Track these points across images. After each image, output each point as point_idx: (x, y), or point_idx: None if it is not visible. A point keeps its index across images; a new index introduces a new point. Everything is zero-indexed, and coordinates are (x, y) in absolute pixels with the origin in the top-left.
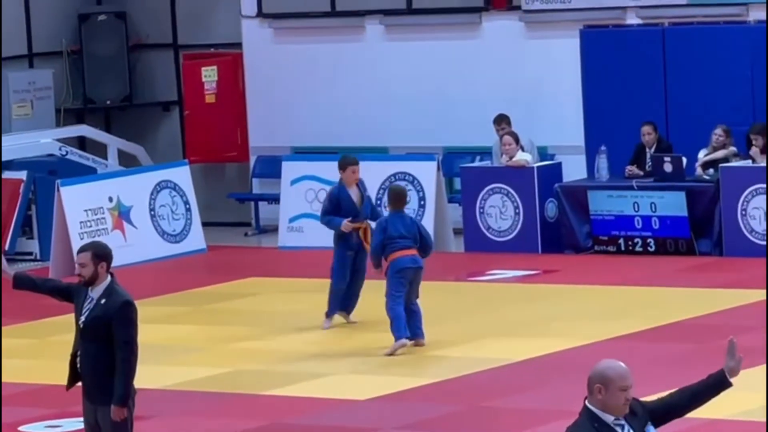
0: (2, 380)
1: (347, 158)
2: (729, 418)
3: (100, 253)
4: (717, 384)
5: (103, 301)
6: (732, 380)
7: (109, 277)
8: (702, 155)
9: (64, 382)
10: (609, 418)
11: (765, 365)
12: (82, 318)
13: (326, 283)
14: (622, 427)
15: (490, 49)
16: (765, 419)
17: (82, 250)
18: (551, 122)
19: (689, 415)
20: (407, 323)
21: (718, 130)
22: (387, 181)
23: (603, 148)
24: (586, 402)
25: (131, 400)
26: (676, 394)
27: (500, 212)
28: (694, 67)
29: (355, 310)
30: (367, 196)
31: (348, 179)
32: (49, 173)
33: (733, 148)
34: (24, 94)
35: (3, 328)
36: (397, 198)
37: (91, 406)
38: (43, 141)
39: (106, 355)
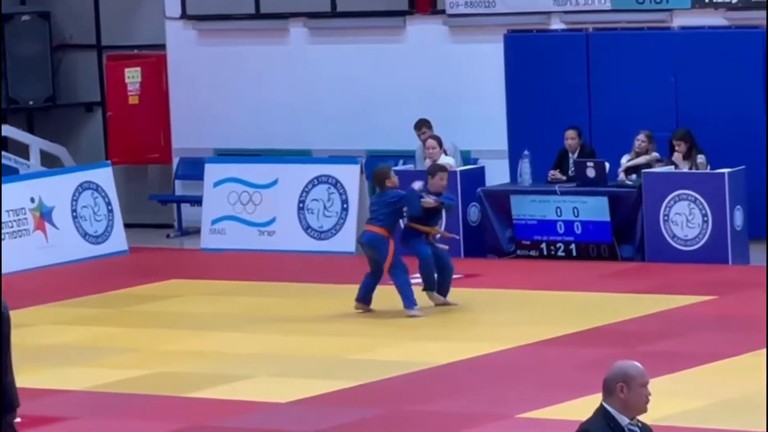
0: None
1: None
2: (651, 423)
3: None
4: None
5: None
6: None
7: None
8: (624, 160)
9: None
10: (624, 421)
11: (689, 370)
12: None
13: (248, 285)
14: None
15: (414, 52)
16: (684, 424)
17: None
18: (475, 126)
19: None
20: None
21: (641, 136)
22: (310, 183)
23: (526, 152)
24: (603, 402)
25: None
26: None
27: None
28: (618, 73)
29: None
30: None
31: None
32: None
33: (655, 154)
34: None
35: None
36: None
37: None
38: None
39: None
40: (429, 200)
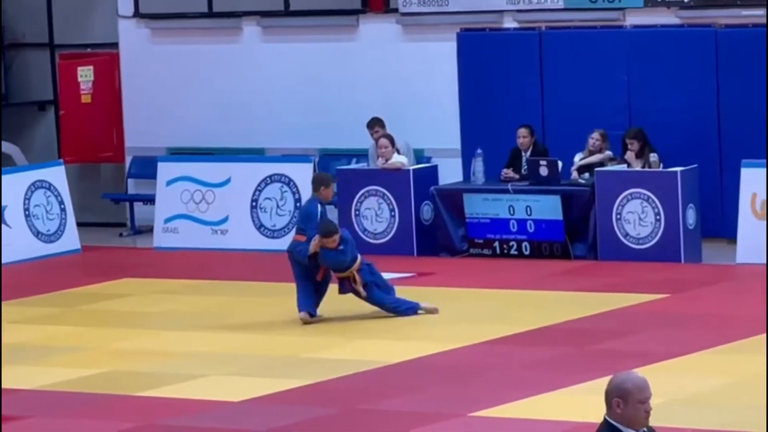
0: None
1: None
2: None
3: None
4: None
5: None
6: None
7: None
8: (578, 159)
9: None
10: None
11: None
12: None
13: (201, 284)
14: None
15: (367, 51)
16: None
17: None
18: (428, 125)
19: (563, 418)
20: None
21: (596, 134)
22: (263, 182)
23: (479, 151)
24: (606, 416)
25: None
26: None
27: (376, 215)
28: (571, 71)
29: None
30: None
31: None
32: None
33: (608, 152)
34: None
35: None
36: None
37: None
38: None
39: None
40: (314, 242)
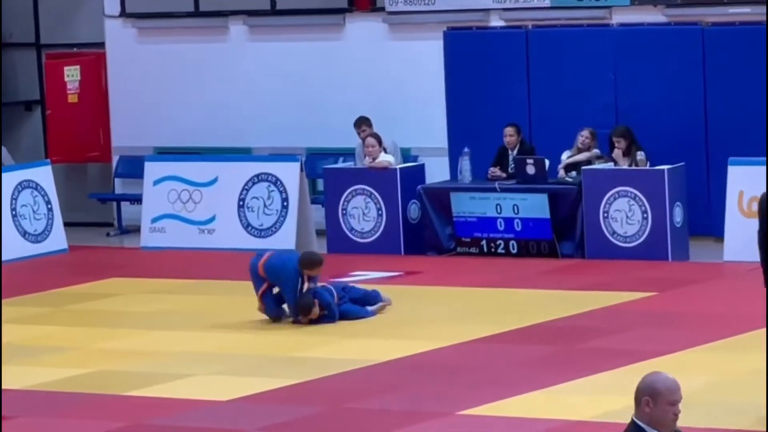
0: None
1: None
2: (590, 420)
3: None
4: None
5: None
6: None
7: None
8: (565, 156)
9: None
10: None
11: (628, 367)
12: None
13: (189, 283)
14: None
15: (353, 50)
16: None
17: None
18: (415, 124)
19: (550, 416)
20: None
21: (585, 132)
22: (250, 182)
23: (466, 150)
24: (633, 416)
25: None
26: None
27: (363, 214)
28: (558, 70)
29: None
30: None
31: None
32: None
33: (596, 151)
34: None
35: None
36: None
37: None
38: None
39: None
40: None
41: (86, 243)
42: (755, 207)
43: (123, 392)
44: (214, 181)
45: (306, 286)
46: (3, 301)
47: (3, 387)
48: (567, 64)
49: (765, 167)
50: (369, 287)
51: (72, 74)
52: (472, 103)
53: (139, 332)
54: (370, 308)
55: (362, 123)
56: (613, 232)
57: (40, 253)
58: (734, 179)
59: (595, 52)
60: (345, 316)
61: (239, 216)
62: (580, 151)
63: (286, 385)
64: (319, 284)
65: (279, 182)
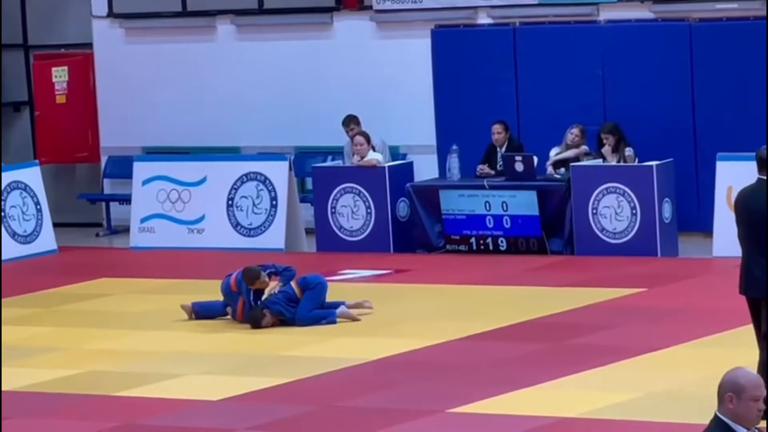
0: None
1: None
2: (580, 417)
3: None
4: None
5: None
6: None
7: None
8: (553, 153)
9: None
10: (742, 430)
11: (619, 363)
12: None
13: (179, 283)
14: None
15: (341, 48)
16: (614, 417)
17: None
18: (403, 122)
19: (541, 413)
20: None
21: (575, 130)
22: (239, 181)
23: (454, 147)
24: (717, 412)
25: None
26: None
27: (352, 212)
28: (546, 67)
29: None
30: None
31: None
32: None
33: (584, 147)
34: None
35: None
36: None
37: None
38: None
39: None
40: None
41: (75, 243)
42: None
43: (114, 392)
44: (203, 180)
45: (266, 294)
46: None
47: None
48: (555, 61)
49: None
50: (359, 286)
51: (60, 75)
52: (461, 100)
53: (129, 332)
54: (337, 310)
55: (350, 121)
56: (602, 229)
57: (29, 254)
58: (723, 175)
59: (583, 49)
60: (309, 322)
61: (228, 215)
62: (569, 148)
63: (276, 384)
64: (276, 290)
65: (268, 181)
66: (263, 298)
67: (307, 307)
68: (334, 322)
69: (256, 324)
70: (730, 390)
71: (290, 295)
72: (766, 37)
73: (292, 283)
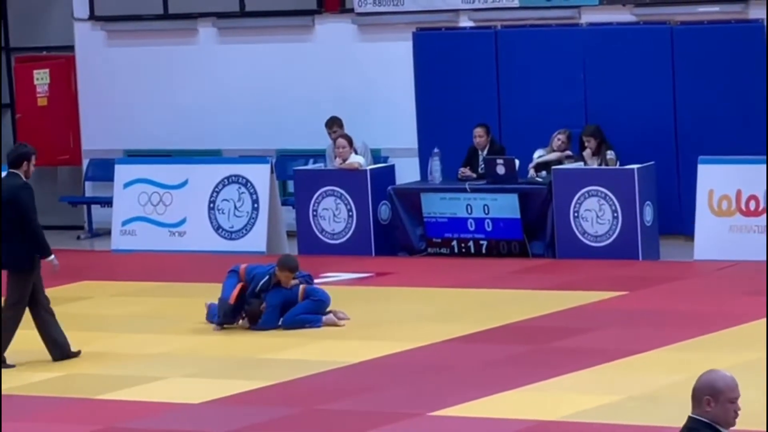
0: None
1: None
2: (562, 420)
3: None
4: None
5: None
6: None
7: None
8: (536, 155)
9: None
10: (724, 430)
11: (600, 366)
12: None
13: (160, 286)
14: None
15: (323, 51)
16: (595, 420)
17: None
18: (384, 125)
19: (522, 416)
20: None
21: (562, 136)
22: (220, 184)
23: (436, 150)
24: (693, 415)
25: None
26: None
27: (333, 215)
28: (527, 70)
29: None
30: None
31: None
32: None
33: (567, 151)
34: None
35: None
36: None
37: None
38: None
39: None
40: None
41: (57, 246)
42: (725, 206)
43: (95, 396)
44: (185, 183)
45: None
46: None
47: None
48: (536, 64)
49: (736, 166)
50: (341, 290)
51: (41, 78)
52: (442, 103)
53: (110, 335)
54: (323, 317)
55: (334, 123)
56: (584, 232)
57: None
58: (704, 178)
59: (565, 52)
60: (295, 325)
61: (210, 218)
62: (554, 151)
63: (258, 387)
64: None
65: (249, 184)
66: (260, 289)
67: (298, 311)
68: (318, 328)
69: (254, 319)
70: (707, 393)
71: (292, 299)
72: (766, 41)
73: (300, 288)
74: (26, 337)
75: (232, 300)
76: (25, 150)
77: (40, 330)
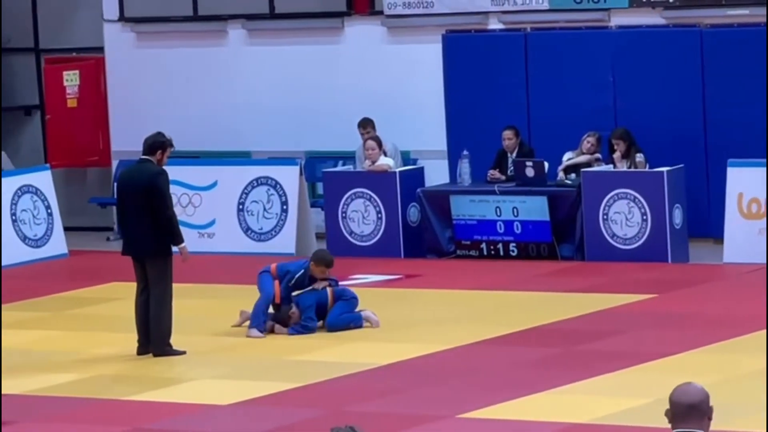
0: None
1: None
2: (592, 422)
3: None
4: None
5: None
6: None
7: None
8: (566, 158)
9: None
10: None
11: (629, 369)
12: None
13: (188, 287)
14: None
15: (352, 53)
16: (625, 423)
17: None
18: (414, 127)
19: (551, 419)
20: None
21: (592, 139)
22: (249, 185)
23: (465, 152)
24: (693, 429)
25: None
26: None
27: (363, 217)
28: (556, 72)
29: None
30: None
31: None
32: None
33: (597, 154)
34: None
35: None
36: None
37: None
38: None
39: None
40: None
41: (86, 247)
42: (755, 209)
43: (123, 397)
44: (214, 185)
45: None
46: (3, 306)
47: (3, 392)
48: (566, 67)
49: (765, 169)
50: (369, 291)
51: (71, 79)
52: (471, 105)
53: None
54: (363, 313)
55: (367, 124)
56: (613, 234)
57: (40, 258)
58: (734, 181)
59: (594, 55)
60: (340, 326)
61: (239, 220)
62: (584, 154)
63: (286, 389)
64: (319, 288)
65: (278, 186)
66: (296, 293)
67: (337, 312)
68: (361, 326)
69: (284, 323)
70: (708, 404)
71: (322, 301)
72: (766, 43)
73: (329, 290)
74: (50, 337)
75: (277, 298)
76: (163, 139)
77: (140, 315)
